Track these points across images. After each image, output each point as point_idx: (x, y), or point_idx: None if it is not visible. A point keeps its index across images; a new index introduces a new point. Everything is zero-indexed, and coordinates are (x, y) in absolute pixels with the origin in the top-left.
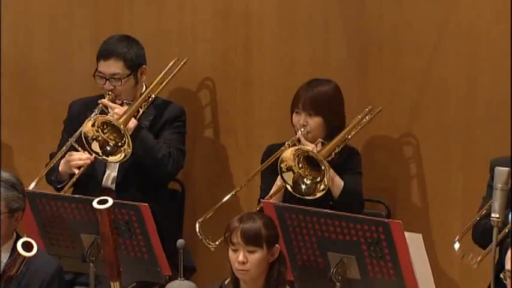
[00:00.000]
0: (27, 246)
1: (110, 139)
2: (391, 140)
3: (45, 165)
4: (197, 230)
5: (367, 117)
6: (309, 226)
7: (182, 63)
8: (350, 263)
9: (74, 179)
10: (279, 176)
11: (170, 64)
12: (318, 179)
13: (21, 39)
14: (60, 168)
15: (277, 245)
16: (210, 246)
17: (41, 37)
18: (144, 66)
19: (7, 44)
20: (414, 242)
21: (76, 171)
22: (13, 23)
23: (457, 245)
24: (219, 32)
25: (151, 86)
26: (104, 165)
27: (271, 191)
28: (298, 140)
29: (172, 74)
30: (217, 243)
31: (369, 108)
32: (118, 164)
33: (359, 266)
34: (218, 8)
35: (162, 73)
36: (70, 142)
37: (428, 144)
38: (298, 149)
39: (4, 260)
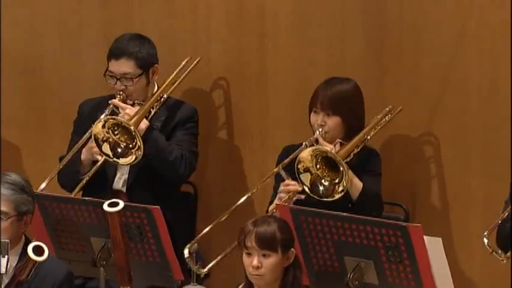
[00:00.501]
0: (38, 251)
1: (121, 141)
2: (411, 140)
3: (57, 169)
4: (186, 256)
5: (387, 117)
6: (326, 230)
7: (195, 62)
8: (368, 267)
9: (96, 167)
10: (296, 177)
11: (183, 63)
12: (337, 181)
13: (30, 38)
14: (82, 157)
15: (292, 249)
16: (199, 272)
17: (50, 36)
18: (156, 65)
19: (16, 43)
20: (434, 246)
21: (99, 157)
22: (22, 22)
23: (485, 241)
24: (233, 30)
25: (163, 86)
26: (115, 167)
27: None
28: (316, 141)
29: (184, 74)
30: (205, 270)
31: (389, 108)
32: (129, 166)
33: (376, 271)
34: (232, 6)
35: (174, 73)
36: (80, 143)
37: (448, 145)
38: (316, 149)
39: (13, 264)
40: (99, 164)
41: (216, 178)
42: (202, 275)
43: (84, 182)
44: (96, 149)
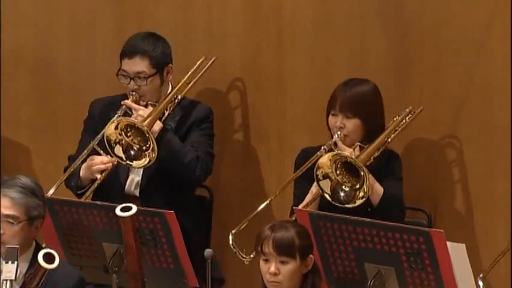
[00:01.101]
0: (48, 258)
1: (134, 143)
2: (432, 142)
3: (64, 170)
4: (230, 242)
5: (407, 118)
6: (345, 236)
7: (210, 62)
8: (389, 274)
9: (95, 185)
10: (315, 183)
11: (198, 63)
12: (357, 186)
13: (41, 37)
14: (81, 173)
15: (311, 255)
16: (244, 259)
17: (62, 34)
18: (170, 65)
19: (26, 42)
20: (457, 253)
21: (98, 176)
22: (33, 20)
23: (481, 284)
24: (249, 29)
25: (177, 87)
26: (128, 169)
27: (306, 200)
28: (335, 144)
29: (199, 74)
30: (251, 256)
31: (410, 108)
32: (142, 168)
33: (397, 278)
34: (248, 3)
35: (189, 73)
36: (91, 145)
37: (472, 147)
38: (335, 154)
39: (23, 271)
40: (96, 183)
41: (232, 182)
42: (246, 262)
43: (95, 185)
44: (95, 167)
